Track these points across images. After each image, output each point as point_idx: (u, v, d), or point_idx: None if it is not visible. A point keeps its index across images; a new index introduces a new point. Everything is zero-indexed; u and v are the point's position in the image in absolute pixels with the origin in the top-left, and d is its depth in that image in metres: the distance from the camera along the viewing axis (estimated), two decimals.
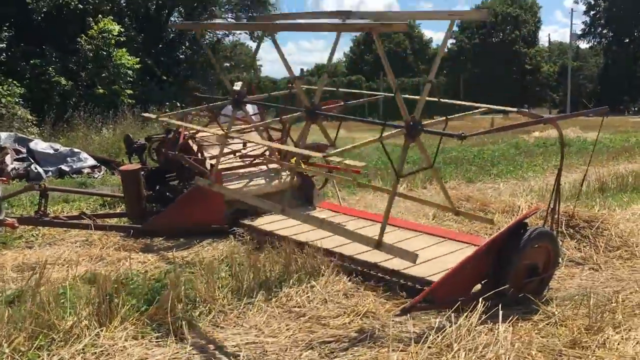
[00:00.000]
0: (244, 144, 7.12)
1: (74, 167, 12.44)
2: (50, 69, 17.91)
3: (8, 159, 12.62)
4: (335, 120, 7.04)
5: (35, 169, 12.38)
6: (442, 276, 4.28)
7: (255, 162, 7.06)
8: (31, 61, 17.88)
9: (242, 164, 7.06)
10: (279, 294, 4.80)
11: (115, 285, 4.33)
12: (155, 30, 23.99)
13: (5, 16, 18.21)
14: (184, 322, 4.16)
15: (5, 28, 18.04)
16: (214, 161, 6.88)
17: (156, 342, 4.01)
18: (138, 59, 19.01)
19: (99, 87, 17.68)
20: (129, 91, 18.18)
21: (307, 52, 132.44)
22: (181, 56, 25.93)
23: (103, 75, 18.01)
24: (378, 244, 4.54)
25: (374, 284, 5.02)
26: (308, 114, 5.73)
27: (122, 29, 18.29)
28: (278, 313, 4.51)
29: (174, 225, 6.41)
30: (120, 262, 5.73)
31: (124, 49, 18.84)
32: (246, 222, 6.64)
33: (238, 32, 30.26)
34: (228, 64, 29.10)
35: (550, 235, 4.66)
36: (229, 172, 6.87)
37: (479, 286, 4.50)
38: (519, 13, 56.25)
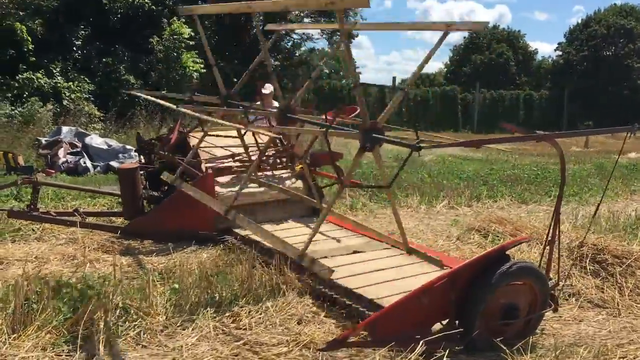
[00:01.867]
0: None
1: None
2: (121, 67, 18.59)
3: (61, 152, 13.10)
4: None
5: (84, 163, 12.76)
6: (385, 308, 3.72)
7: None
8: (104, 59, 18.64)
9: (241, 166, 6.74)
10: (227, 313, 4.42)
11: (38, 289, 4.11)
12: (231, 35, 24.40)
13: (83, 16, 19.12)
14: (101, 337, 3.87)
15: (82, 26, 18.93)
16: (211, 164, 6.65)
17: (65, 355, 3.74)
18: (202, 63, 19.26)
19: (165, 89, 18.11)
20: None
21: (412, 60, 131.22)
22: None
23: (171, 76, 18.43)
24: (300, 256, 4.14)
25: (339, 308, 4.53)
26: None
27: (192, 33, 18.62)
28: (214, 335, 4.11)
29: (157, 229, 6.19)
30: (91, 263, 5.58)
31: (193, 52, 19.22)
32: (239, 230, 6.31)
33: (316, 37, 30.25)
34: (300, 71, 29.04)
35: (535, 271, 3.96)
36: (225, 175, 6.57)
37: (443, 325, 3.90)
38: (634, 25, 52.34)
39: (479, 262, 3.82)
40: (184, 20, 18.77)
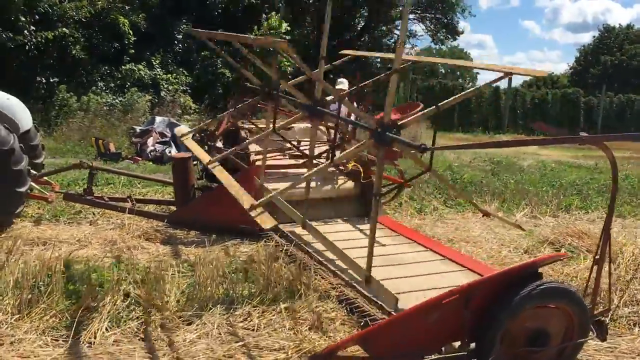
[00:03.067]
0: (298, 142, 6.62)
1: None
2: (218, 61, 19.09)
3: (150, 140, 13.64)
4: None
5: (169, 152, 13.18)
6: (381, 322, 3.38)
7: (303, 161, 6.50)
8: (202, 53, 19.23)
9: (293, 162, 6.57)
10: (238, 312, 4.27)
11: (50, 273, 4.17)
12: (333, 31, 24.30)
13: (185, 9, 19.85)
14: (100, 325, 3.85)
15: (184, 20, 19.65)
16: (259, 157, 6.52)
17: (62, 340, 3.75)
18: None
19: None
20: None
21: (538, 61, 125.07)
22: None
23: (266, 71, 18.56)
24: (367, 281, 3.79)
25: (358, 316, 4.24)
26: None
27: (289, 27, 18.76)
28: (217, 333, 3.97)
29: (198, 220, 6.16)
30: (129, 250, 5.64)
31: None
32: (285, 227, 6.13)
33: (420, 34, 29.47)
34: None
35: (569, 293, 3.44)
36: (272, 170, 6.41)
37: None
38: None
39: (500, 278, 3.38)
40: (282, 15, 18.94)
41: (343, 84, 9.18)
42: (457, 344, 3.39)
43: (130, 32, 17.52)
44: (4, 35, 14.77)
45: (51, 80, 16.44)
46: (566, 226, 7.15)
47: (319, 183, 6.58)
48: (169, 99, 17.14)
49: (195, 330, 3.98)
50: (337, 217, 6.56)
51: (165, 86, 17.85)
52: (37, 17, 15.64)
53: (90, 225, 6.48)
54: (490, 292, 3.35)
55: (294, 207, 6.10)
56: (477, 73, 63.99)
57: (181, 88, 17.98)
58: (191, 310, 4.20)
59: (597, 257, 3.65)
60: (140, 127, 14.63)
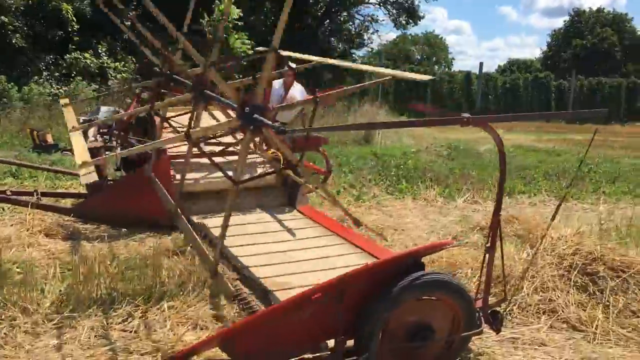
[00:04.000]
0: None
1: None
2: (171, 47, 18.55)
3: (91, 131, 13.18)
4: None
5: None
6: (247, 319, 3.12)
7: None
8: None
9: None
10: (117, 312, 3.98)
11: None
12: (293, 16, 23.85)
13: None
14: None
15: (132, 7, 19.14)
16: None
17: None
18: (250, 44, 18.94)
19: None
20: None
21: (516, 46, 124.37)
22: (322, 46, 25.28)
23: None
24: (212, 274, 3.56)
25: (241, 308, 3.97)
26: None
27: (241, 13, 18.34)
28: (86, 337, 3.66)
29: (109, 212, 5.84)
30: (24, 247, 5.31)
31: (242, 33, 18.91)
32: (196, 219, 5.84)
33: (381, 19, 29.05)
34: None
35: (450, 285, 3.22)
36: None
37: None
38: None
39: (377, 269, 3.14)
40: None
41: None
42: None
43: (74, 19, 16.95)
44: None
45: None
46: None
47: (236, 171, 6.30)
48: (115, 87, 16.65)
49: (64, 334, 3.68)
50: (258, 207, 6.30)
51: (114, 75, 17.35)
52: None
53: None
54: (368, 285, 3.12)
55: (215, 197, 5.86)
56: (453, 59, 64.08)
57: (131, 76, 17.47)
58: (66, 313, 3.90)
59: (488, 245, 3.43)
60: (83, 118, 14.17)
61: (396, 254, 3.24)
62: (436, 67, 56.71)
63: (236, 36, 18.76)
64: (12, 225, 5.95)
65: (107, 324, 3.83)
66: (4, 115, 14.23)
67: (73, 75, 16.74)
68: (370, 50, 35.89)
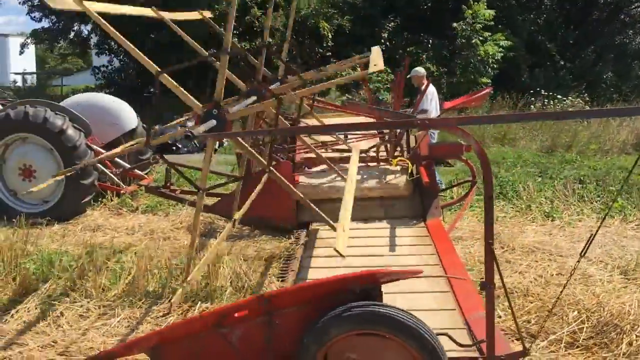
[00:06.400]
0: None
1: None
2: (423, 56, 18.58)
3: None
4: None
5: None
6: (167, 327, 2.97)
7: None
8: (408, 49, 18.89)
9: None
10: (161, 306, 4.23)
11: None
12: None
13: (393, 7, 19.80)
14: None
15: (391, 18, 19.60)
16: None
17: None
18: (508, 44, 17.74)
19: (458, 74, 17.50)
20: (484, 80, 17.14)
21: None
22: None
23: (471, 62, 17.52)
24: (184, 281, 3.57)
25: None
26: None
27: (494, 13, 17.45)
28: (112, 326, 3.98)
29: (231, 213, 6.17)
30: (165, 240, 5.96)
31: (499, 34, 17.87)
32: (314, 225, 5.81)
33: None
34: None
35: (397, 322, 2.60)
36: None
37: None
38: None
39: (304, 293, 2.75)
40: (485, 1, 17.64)
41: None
42: None
43: (329, 34, 18.21)
44: None
45: None
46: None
47: (365, 179, 6.09)
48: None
49: (99, 320, 4.04)
50: (386, 218, 5.97)
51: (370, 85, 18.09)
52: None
53: (153, 215, 6.95)
54: (300, 310, 2.75)
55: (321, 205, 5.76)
56: None
57: (385, 86, 17.88)
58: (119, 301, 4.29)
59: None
60: None
61: (331, 278, 2.75)
62: None
63: (492, 37, 17.63)
64: (170, 220, 6.69)
65: (142, 316, 4.07)
66: None
67: None
68: None
